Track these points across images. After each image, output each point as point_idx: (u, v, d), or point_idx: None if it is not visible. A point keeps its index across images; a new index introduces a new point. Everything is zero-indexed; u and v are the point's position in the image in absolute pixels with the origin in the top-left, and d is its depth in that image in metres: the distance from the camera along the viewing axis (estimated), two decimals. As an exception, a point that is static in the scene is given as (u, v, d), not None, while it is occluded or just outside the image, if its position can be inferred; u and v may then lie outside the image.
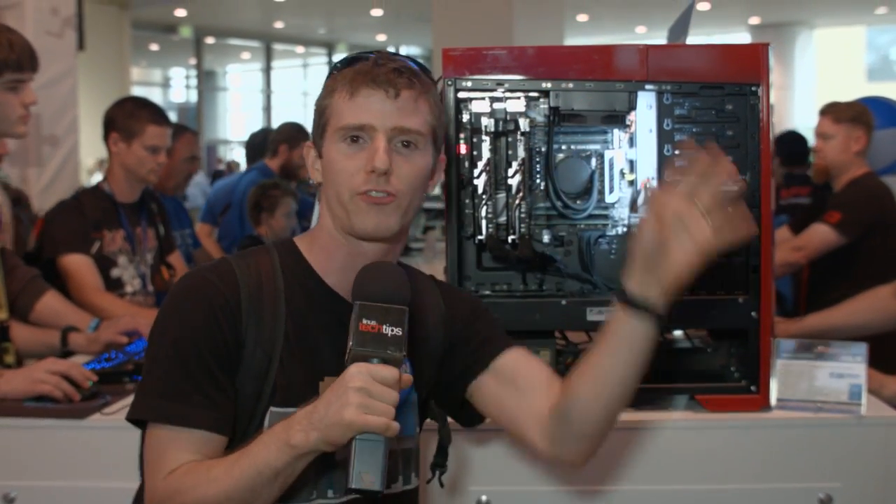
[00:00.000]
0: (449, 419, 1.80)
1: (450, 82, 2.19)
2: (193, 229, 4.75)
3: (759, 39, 17.38)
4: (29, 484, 2.23)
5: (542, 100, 2.23)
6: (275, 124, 6.12)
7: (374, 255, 1.64)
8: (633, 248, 1.52)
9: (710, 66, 2.23)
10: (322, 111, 1.64)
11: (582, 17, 18.70)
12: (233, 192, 5.54)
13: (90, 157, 13.18)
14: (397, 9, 18.43)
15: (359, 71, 1.60)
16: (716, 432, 2.23)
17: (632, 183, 2.25)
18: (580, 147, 2.27)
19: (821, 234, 4.09)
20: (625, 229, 2.26)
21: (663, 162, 2.23)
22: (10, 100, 2.68)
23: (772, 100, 2.21)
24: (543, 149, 2.24)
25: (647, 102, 2.23)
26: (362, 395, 1.37)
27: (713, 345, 2.43)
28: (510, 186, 2.22)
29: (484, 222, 2.22)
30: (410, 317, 1.44)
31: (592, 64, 2.22)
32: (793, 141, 6.20)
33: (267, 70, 25.14)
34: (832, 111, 4.25)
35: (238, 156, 20.98)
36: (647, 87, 2.21)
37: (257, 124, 21.68)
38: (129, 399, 2.35)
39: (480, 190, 2.22)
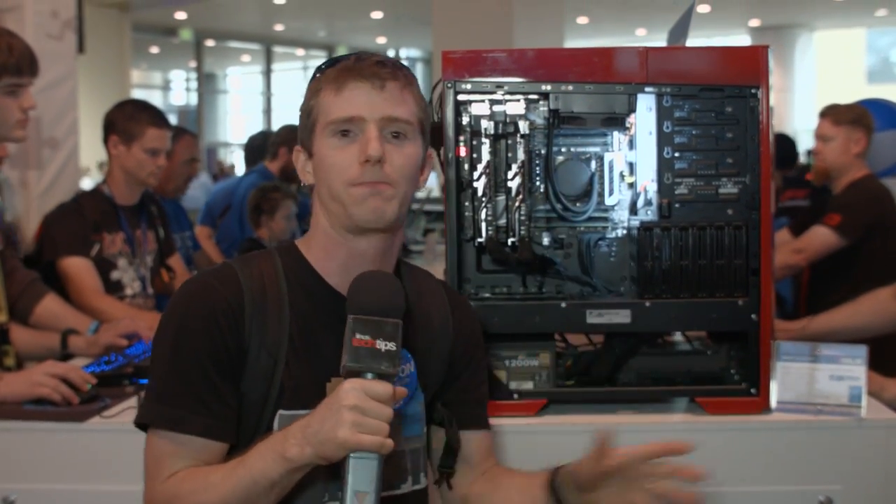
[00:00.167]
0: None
1: (449, 85, 2.18)
2: (193, 232, 4.75)
3: (759, 42, 17.44)
4: (28, 487, 2.23)
5: (541, 102, 2.23)
6: (275, 127, 6.11)
7: (373, 250, 1.65)
8: (582, 472, 1.63)
9: (709, 69, 2.23)
10: (309, 111, 1.66)
11: (582, 20, 18.71)
12: (232, 194, 5.54)
13: (91, 160, 13.16)
14: (397, 11, 18.44)
15: (343, 68, 1.63)
16: (716, 435, 2.23)
17: (632, 185, 2.25)
18: (580, 149, 2.27)
19: (821, 237, 4.09)
20: (624, 232, 2.26)
21: (663, 164, 2.23)
22: (9, 104, 2.68)
23: (771, 102, 2.21)
24: (543, 151, 2.24)
25: (646, 105, 2.23)
26: (356, 414, 1.37)
27: (713, 347, 2.43)
28: (510, 189, 2.22)
29: (483, 225, 2.22)
30: (416, 317, 1.44)
31: (592, 66, 2.22)
32: (780, 144, 6.21)
33: (267, 73, 25.14)
34: (832, 113, 4.25)
35: (238, 159, 21.00)
36: (647, 89, 2.21)
37: (257, 127, 21.66)
38: (129, 402, 2.38)
39: (480, 192, 2.22)
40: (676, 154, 2.23)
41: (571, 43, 16.19)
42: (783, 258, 4.07)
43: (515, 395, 2.26)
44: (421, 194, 5.86)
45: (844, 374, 2.25)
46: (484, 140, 2.21)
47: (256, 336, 1.59)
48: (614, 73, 2.22)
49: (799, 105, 20.96)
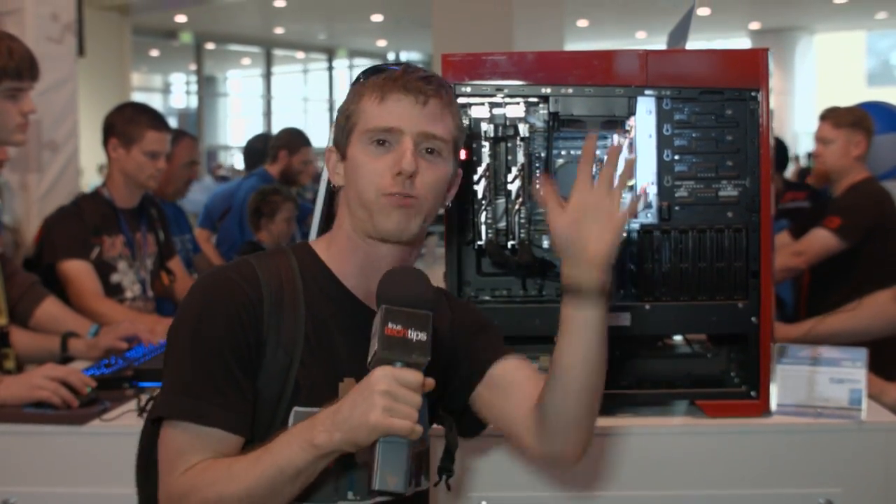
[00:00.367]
0: None
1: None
2: (193, 234, 4.75)
3: (760, 44, 17.45)
4: (28, 490, 2.23)
5: (541, 105, 2.23)
6: (275, 130, 6.11)
7: (391, 258, 1.66)
8: (557, 247, 1.62)
9: (709, 72, 2.23)
10: (349, 115, 1.67)
11: (582, 23, 18.72)
12: (231, 197, 5.54)
13: (90, 163, 13.17)
14: (397, 14, 18.47)
15: (389, 77, 1.65)
16: (716, 437, 2.23)
17: (631, 188, 2.25)
18: (580, 152, 2.26)
19: (821, 240, 4.08)
20: (624, 234, 2.25)
21: (663, 167, 2.23)
22: (9, 108, 2.68)
23: (771, 105, 2.21)
24: (543, 154, 2.24)
25: (646, 108, 2.23)
26: (387, 399, 1.39)
27: (713, 350, 2.43)
28: (510, 192, 2.22)
29: (483, 228, 2.22)
30: None
31: (592, 69, 2.22)
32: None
33: (267, 75, 25.16)
34: (832, 116, 4.25)
35: (238, 161, 20.99)
36: (647, 92, 2.21)
37: (258, 130, 21.64)
38: (129, 405, 2.38)
39: (480, 195, 2.22)
40: (676, 157, 2.23)
41: (571, 46, 16.20)
42: (783, 261, 4.07)
43: (515, 398, 2.25)
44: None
45: (845, 376, 2.25)
46: (484, 143, 2.22)
47: (273, 333, 1.59)
48: (614, 76, 2.22)
49: (799, 108, 20.98)
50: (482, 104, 2.22)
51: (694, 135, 2.23)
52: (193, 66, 23.78)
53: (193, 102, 25.20)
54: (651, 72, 2.21)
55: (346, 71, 25.01)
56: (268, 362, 1.59)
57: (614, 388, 2.33)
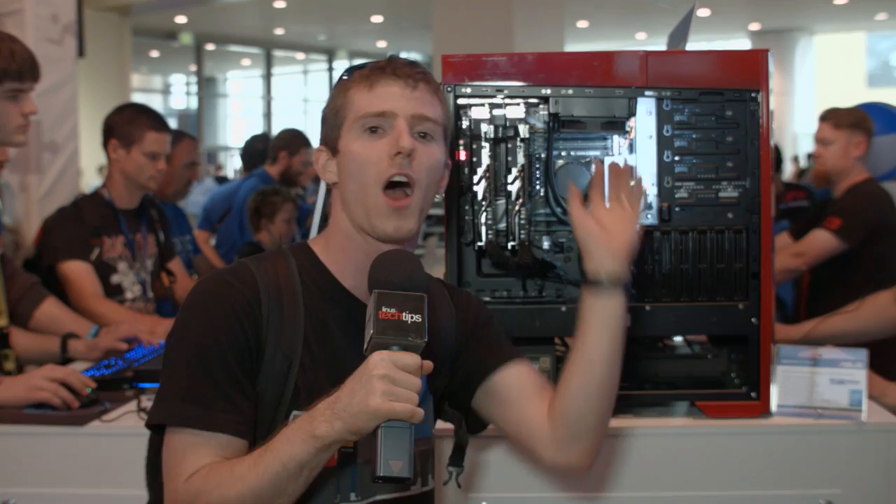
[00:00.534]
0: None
1: (449, 89, 2.19)
2: (193, 235, 4.75)
3: (759, 45, 17.45)
4: (28, 491, 2.23)
5: (541, 106, 2.23)
6: (275, 131, 6.10)
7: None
8: (579, 241, 1.70)
9: (709, 72, 2.23)
10: (337, 109, 1.68)
11: (582, 24, 18.73)
12: (230, 198, 5.54)
13: (90, 164, 13.17)
14: (397, 15, 18.47)
15: (376, 67, 1.67)
16: (716, 438, 2.23)
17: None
18: (580, 153, 2.27)
19: (821, 240, 4.08)
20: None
21: (663, 168, 2.23)
22: (10, 109, 2.69)
23: (771, 106, 2.21)
24: (543, 155, 2.24)
25: (646, 108, 2.23)
26: (386, 383, 1.38)
27: (713, 351, 2.43)
28: (510, 193, 2.22)
29: (483, 228, 2.22)
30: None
31: (592, 70, 2.22)
32: None
33: (267, 76, 25.17)
34: (832, 117, 4.25)
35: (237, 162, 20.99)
36: (647, 93, 2.21)
37: (257, 131, 21.68)
38: (129, 406, 2.37)
39: (480, 196, 2.22)
40: (676, 158, 2.23)
41: (571, 47, 16.21)
42: (783, 262, 4.07)
43: (515, 399, 2.25)
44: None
45: (845, 377, 2.24)
46: (484, 144, 2.22)
47: (273, 335, 1.59)
48: (614, 77, 2.22)
49: (799, 109, 20.98)
50: (482, 105, 2.22)
51: (694, 136, 2.23)
52: (193, 67, 23.79)
53: (193, 103, 25.21)
54: (651, 73, 2.21)
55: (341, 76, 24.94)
56: (267, 364, 1.58)
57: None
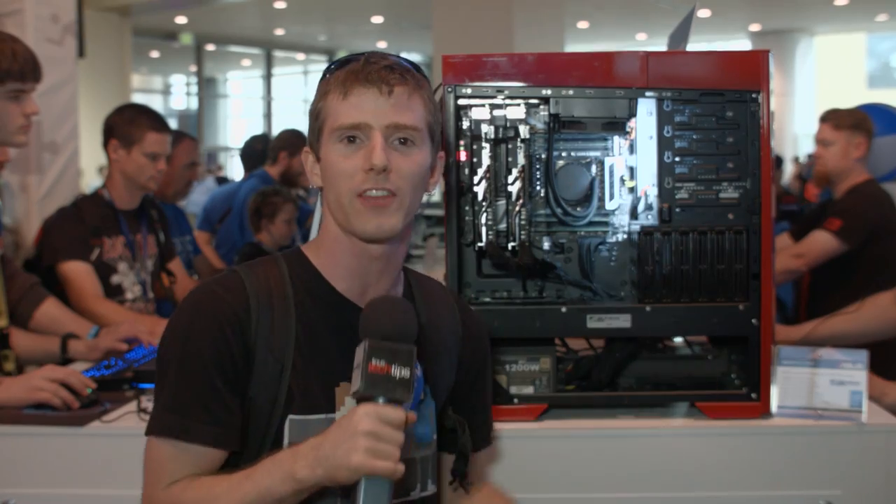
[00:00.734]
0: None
1: (450, 89, 2.18)
2: (193, 236, 4.75)
3: (760, 46, 17.45)
4: (28, 491, 2.23)
5: (542, 107, 2.23)
6: (275, 131, 6.09)
7: (378, 252, 1.64)
8: None
9: (710, 73, 2.23)
10: (317, 114, 1.64)
11: (582, 24, 18.73)
12: (230, 199, 5.53)
13: (90, 165, 13.17)
14: (398, 16, 18.47)
15: (351, 70, 1.60)
16: (716, 439, 2.23)
17: (632, 190, 2.25)
18: (580, 154, 2.27)
19: (822, 242, 4.08)
20: (625, 236, 2.26)
21: (663, 169, 2.23)
22: (12, 109, 2.69)
23: (772, 106, 2.21)
24: (543, 156, 2.24)
25: (647, 109, 2.23)
26: (370, 440, 1.39)
27: (714, 352, 2.43)
28: (510, 193, 2.22)
29: (484, 229, 2.22)
30: (426, 324, 1.45)
31: (592, 71, 2.22)
32: None
33: (267, 77, 25.17)
34: (832, 118, 4.25)
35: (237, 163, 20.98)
36: (648, 93, 2.21)
37: (258, 131, 21.68)
38: (129, 406, 2.38)
39: (480, 197, 2.22)
40: (677, 158, 2.23)
41: (572, 47, 16.21)
42: (784, 263, 4.07)
43: (516, 400, 2.26)
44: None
45: (845, 378, 2.24)
46: (484, 144, 2.21)
47: (263, 341, 1.59)
48: (615, 78, 2.22)
49: (799, 110, 20.98)
50: (483, 105, 2.21)
51: (694, 136, 2.23)
52: (194, 68, 23.79)
53: (194, 104, 25.21)
54: (652, 73, 2.21)
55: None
56: (258, 370, 1.59)
57: (615, 389, 2.34)
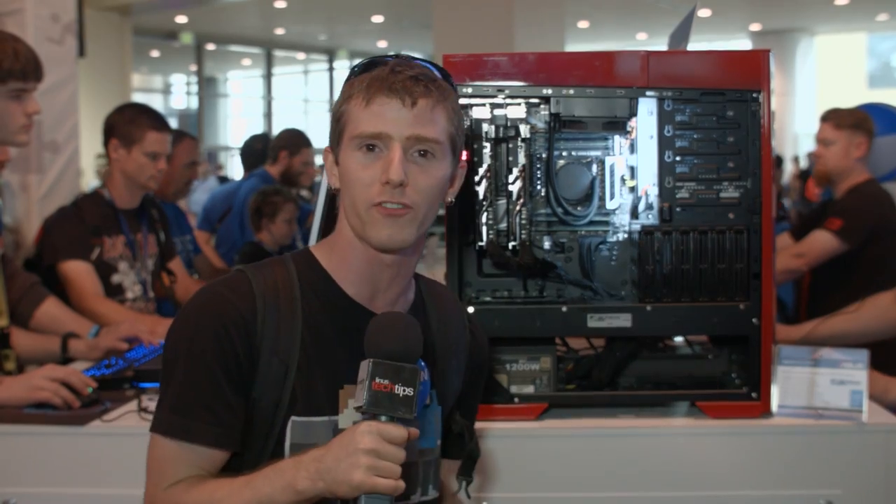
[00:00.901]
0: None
1: (450, 89, 2.18)
2: (194, 235, 4.74)
3: (760, 46, 17.44)
4: (28, 490, 2.23)
5: (542, 106, 2.23)
6: (275, 131, 6.09)
7: (391, 263, 1.63)
8: None
9: (711, 73, 2.23)
10: (339, 117, 1.62)
11: (583, 24, 18.72)
12: (230, 198, 5.53)
13: (90, 164, 13.17)
14: (398, 15, 18.47)
15: (375, 77, 1.57)
16: (717, 439, 2.23)
17: (633, 189, 2.25)
18: (581, 153, 2.27)
19: (822, 241, 4.08)
20: (626, 236, 2.26)
21: (664, 168, 2.23)
22: (13, 108, 2.69)
23: (773, 106, 2.21)
24: (544, 155, 2.24)
25: (647, 109, 2.23)
26: (371, 458, 1.39)
27: (714, 351, 2.43)
28: (511, 193, 2.22)
29: (484, 228, 2.22)
30: (435, 330, 1.45)
31: (593, 70, 2.22)
32: None
33: (268, 76, 25.16)
34: (833, 117, 4.25)
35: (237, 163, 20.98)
36: (648, 93, 2.21)
37: (258, 131, 21.67)
38: (129, 405, 2.38)
39: (481, 196, 2.22)
40: (677, 158, 2.23)
41: (572, 47, 16.19)
42: (784, 262, 4.07)
43: (516, 399, 2.26)
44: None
45: (845, 378, 2.24)
46: (485, 144, 2.21)
47: (268, 342, 1.59)
48: (615, 77, 2.22)
49: (800, 109, 20.98)
50: (483, 105, 2.22)
51: (695, 136, 2.23)
52: (194, 67, 23.78)
53: (194, 103, 25.21)
54: (652, 73, 2.21)
55: (347, 72, 24.93)
56: (262, 372, 1.58)
57: (616, 389, 2.34)
